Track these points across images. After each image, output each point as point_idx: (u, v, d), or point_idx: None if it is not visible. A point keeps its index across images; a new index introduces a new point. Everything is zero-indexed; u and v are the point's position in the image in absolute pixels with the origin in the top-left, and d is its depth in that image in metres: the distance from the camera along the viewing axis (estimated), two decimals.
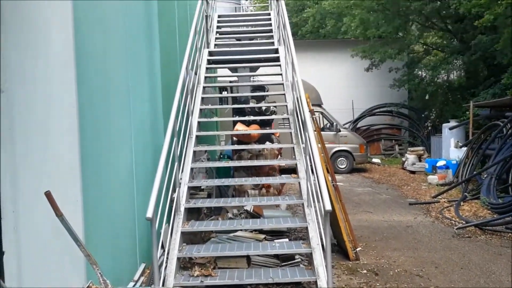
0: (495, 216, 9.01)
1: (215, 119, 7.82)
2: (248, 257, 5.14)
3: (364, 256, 6.68)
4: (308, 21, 24.50)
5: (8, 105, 3.56)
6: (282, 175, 7.42)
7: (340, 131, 17.00)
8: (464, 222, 8.54)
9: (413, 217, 9.37)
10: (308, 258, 5.44)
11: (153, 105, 6.02)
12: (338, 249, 6.91)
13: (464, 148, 13.87)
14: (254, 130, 7.36)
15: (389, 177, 15.60)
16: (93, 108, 4.04)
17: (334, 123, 17.04)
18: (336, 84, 21.79)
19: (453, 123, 16.14)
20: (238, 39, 11.10)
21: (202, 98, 7.66)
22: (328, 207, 3.99)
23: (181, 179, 5.83)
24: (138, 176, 5.14)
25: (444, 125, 16.57)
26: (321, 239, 4.64)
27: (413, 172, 16.19)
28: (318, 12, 23.48)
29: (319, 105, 17.39)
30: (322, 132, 16.95)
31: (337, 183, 7.15)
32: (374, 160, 19.69)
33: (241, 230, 5.63)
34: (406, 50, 19.84)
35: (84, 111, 3.73)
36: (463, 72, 21.01)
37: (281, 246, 5.11)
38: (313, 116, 7.11)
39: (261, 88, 9.27)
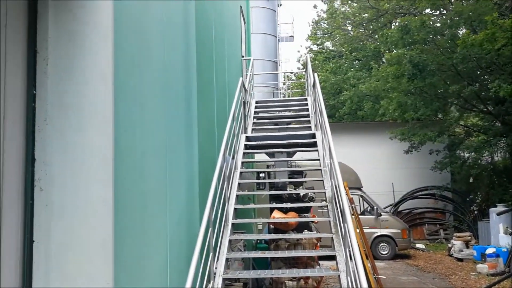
0: None
1: (251, 206, 7.70)
2: None
3: None
4: (346, 103, 24.83)
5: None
6: (321, 263, 7.10)
7: (381, 215, 16.48)
8: None
9: None
10: None
11: (190, 193, 6.00)
12: None
13: None
14: (292, 218, 7.18)
15: (435, 264, 14.76)
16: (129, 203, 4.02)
17: (375, 207, 16.58)
18: (376, 167, 21.48)
19: (500, 207, 15.44)
20: (275, 124, 11.25)
21: (239, 183, 7.62)
22: None
23: (215, 269, 5.66)
24: (172, 269, 4.99)
25: (491, 209, 15.86)
26: None
27: (460, 260, 15.30)
28: (356, 95, 23.82)
29: (359, 188, 17.09)
30: (362, 216, 16.59)
31: (379, 275, 6.74)
32: (418, 245, 18.80)
33: None
34: (447, 133, 19.54)
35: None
36: (508, 154, 20.42)
37: None
38: (352, 204, 6.88)
39: (299, 173, 9.19)
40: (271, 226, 7.78)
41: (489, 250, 14.05)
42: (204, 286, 5.08)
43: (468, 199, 20.29)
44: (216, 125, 8.25)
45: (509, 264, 12.24)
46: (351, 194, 16.59)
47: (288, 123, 11.41)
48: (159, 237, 4.67)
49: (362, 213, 16.80)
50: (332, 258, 6.13)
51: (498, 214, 14.69)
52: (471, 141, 20.47)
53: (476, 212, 19.42)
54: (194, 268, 4.33)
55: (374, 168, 21.34)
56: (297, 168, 9.10)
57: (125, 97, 3.88)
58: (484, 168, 19.67)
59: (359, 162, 20.32)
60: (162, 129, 4.96)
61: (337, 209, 6.18)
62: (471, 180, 19.36)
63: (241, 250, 7.69)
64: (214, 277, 5.53)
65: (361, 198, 16.90)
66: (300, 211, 7.82)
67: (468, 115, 21.61)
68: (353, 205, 6.82)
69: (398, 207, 21.15)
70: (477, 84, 18.02)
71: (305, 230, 7.44)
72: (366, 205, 17.02)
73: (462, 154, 20.73)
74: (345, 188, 6.28)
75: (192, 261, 4.41)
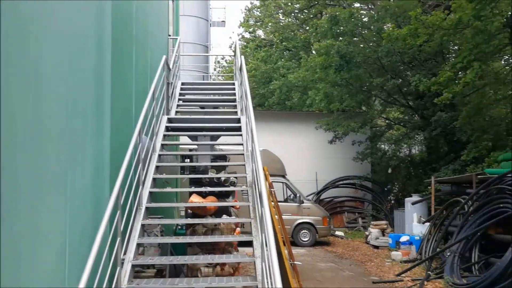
0: None
1: (168, 189, 7.39)
2: None
3: None
4: (275, 92, 24.93)
5: None
6: (241, 249, 6.95)
7: (303, 202, 16.70)
8: None
9: None
10: None
11: (98, 176, 5.55)
12: None
13: (427, 224, 13.73)
14: (210, 203, 6.94)
15: (352, 251, 15.21)
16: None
17: (298, 195, 16.76)
18: (301, 156, 21.79)
19: (415, 197, 16.16)
20: (201, 107, 10.94)
21: (157, 166, 7.27)
22: None
23: (124, 255, 5.32)
24: (72, 254, 4.58)
25: (406, 199, 16.56)
26: None
27: (376, 247, 15.87)
28: (285, 84, 23.96)
29: (283, 176, 17.21)
30: (285, 204, 16.75)
31: (296, 262, 6.69)
32: (338, 233, 19.32)
33: None
34: (369, 124, 20.18)
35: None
36: (424, 147, 21.47)
37: None
38: (272, 189, 6.76)
39: (222, 157, 8.97)
40: (189, 210, 7.50)
41: (403, 238, 14.65)
42: (110, 272, 4.75)
43: (386, 189, 21.13)
44: (134, 105, 7.80)
45: (421, 252, 12.81)
46: (276, 182, 16.66)
47: (215, 107, 11.13)
48: (55, 220, 4.25)
49: (286, 201, 16.95)
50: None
51: (413, 203, 15.35)
52: (392, 134, 21.34)
53: (393, 201, 20.27)
54: (95, 253, 3.99)
55: (299, 157, 21.63)
56: (220, 152, 8.86)
57: (15, 67, 3.45)
58: (402, 160, 20.59)
59: (285, 150, 20.47)
60: (63, 105, 4.50)
61: (256, 194, 6.03)
62: (389, 171, 20.17)
63: (157, 236, 7.35)
64: (123, 263, 5.20)
65: (285, 186, 17.02)
66: (220, 196, 7.60)
67: (390, 109, 22.48)
68: (272, 189, 6.67)
69: (320, 195, 21.64)
70: (399, 79, 18.70)
71: (224, 215, 7.24)
72: (289, 193, 17.16)
73: (383, 146, 21.56)
74: (265, 173, 6.14)
75: (94, 246, 4.05)
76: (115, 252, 4.76)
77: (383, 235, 16.70)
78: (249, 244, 5.97)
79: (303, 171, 21.36)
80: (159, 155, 7.57)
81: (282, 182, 16.96)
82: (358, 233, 19.53)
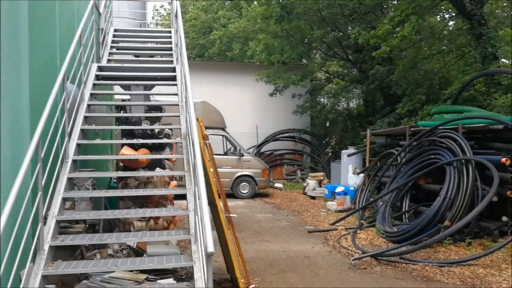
0: (389, 245, 9.07)
1: (97, 141, 7.01)
2: None
3: None
4: (215, 43, 24.29)
5: None
6: (178, 202, 6.77)
7: (243, 155, 16.69)
8: (360, 252, 8.46)
9: (311, 246, 9.14)
10: None
11: (15, 128, 5.07)
12: (232, 286, 6.39)
13: (362, 175, 14.14)
14: (142, 155, 6.67)
15: (290, 202, 15.50)
16: None
17: (237, 148, 16.70)
18: (242, 108, 21.63)
19: (351, 149, 16.53)
20: (136, 56, 10.39)
21: (85, 117, 6.85)
22: (210, 249, 3.46)
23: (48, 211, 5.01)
24: None
25: (343, 151, 16.92)
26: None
27: (313, 198, 16.26)
28: (225, 35, 23.37)
29: (223, 129, 17.04)
30: (225, 157, 16.69)
31: (231, 214, 6.63)
32: (277, 185, 19.63)
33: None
34: (309, 77, 20.21)
35: None
36: (362, 101, 21.91)
37: None
38: (207, 141, 6.57)
39: (157, 109, 8.63)
40: (120, 163, 7.20)
41: (339, 189, 15.06)
42: (33, 229, 4.46)
43: (324, 141, 21.51)
44: (58, 52, 7.20)
45: (355, 202, 13.24)
46: (215, 134, 16.52)
47: (151, 56, 10.62)
48: None
49: (225, 154, 16.86)
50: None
51: (349, 155, 15.73)
52: (331, 88, 21.53)
53: (330, 154, 20.73)
54: (10, 208, 3.68)
55: (240, 110, 21.47)
56: (154, 103, 8.50)
57: None
58: (340, 113, 20.91)
59: (226, 103, 20.25)
60: None
61: (190, 146, 5.82)
62: (327, 124, 20.48)
63: (89, 189, 7.03)
64: (46, 218, 4.90)
65: (224, 139, 16.88)
66: (154, 149, 7.34)
67: (330, 62, 22.56)
68: (207, 142, 6.47)
69: (261, 148, 21.74)
70: (340, 32, 18.69)
71: (158, 168, 7.01)
72: (230, 146, 17.06)
73: (322, 99, 21.77)
74: (199, 125, 5.92)
75: (8, 201, 3.73)
76: (35, 207, 4.45)
77: (320, 186, 17.11)
78: (185, 197, 5.81)
79: (244, 125, 21.29)
80: (88, 105, 7.13)
81: (221, 135, 16.81)
82: (297, 184, 19.91)
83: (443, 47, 17.54)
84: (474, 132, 10.04)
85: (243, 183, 16.60)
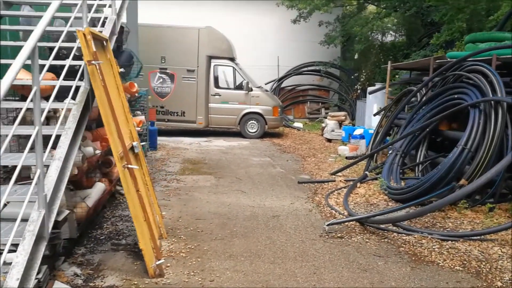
0: (390, 204, 7.29)
1: None
2: None
3: (177, 269, 4.67)
4: None
5: None
6: None
7: (252, 90, 14.84)
8: (346, 214, 6.73)
9: (290, 202, 7.45)
10: None
11: None
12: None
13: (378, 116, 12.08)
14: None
15: (302, 145, 13.75)
16: None
17: (246, 81, 14.83)
18: (261, 38, 19.44)
19: (379, 85, 14.33)
20: None
21: None
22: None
23: None
24: None
25: (369, 88, 14.76)
26: None
27: (329, 140, 14.44)
28: None
29: (231, 59, 15.12)
30: (230, 91, 14.93)
31: (131, 166, 4.93)
32: (296, 124, 17.82)
33: None
34: (337, 1, 17.56)
35: None
36: (399, 31, 19.19)
37: None
38: (95, 62, 4.79)
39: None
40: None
41: (357, 132, 13.12)
42: None
43: (352, 77, 19.18)
44: None
45: (371, 147, 11.29)
46: (220, 65, 14.72)
47: None
48: None
49: (235, 88, 15.01)
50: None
51: (370, 92, 13.60)
52: (364, 16, 18.79)
53: (359, 91, 18.44)
54: None
55: (259, 39, 19.35)
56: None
57: None
58: (372, 46, 18.29)
59: (240, 30, 18.20)
60: None
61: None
62: (356, 56, 18.06)
63: None
64: None
65: (233, 71, 15.01)
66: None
67: None
68: (95, 62, 4.70)
69: (282, 82, 19.74)
70: None
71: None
72: (241, 79, 15.18)
73: (354, 28, 19.11)
74: (84, 38, 4.17)
75: None
76: None
77: (341, 127, 15.19)
78: None
79: (263, 56, 19.25)
80: None
81: (230, 66, 14.95)
82: (319, 124, 17.98)
83: None
84: None
85: (251, 121, 14.91)
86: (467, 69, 7.79)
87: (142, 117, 8.50)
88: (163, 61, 14.47)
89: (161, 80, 14.52)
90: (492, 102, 6.78)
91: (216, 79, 14.85)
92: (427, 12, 14.84)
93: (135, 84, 8.04)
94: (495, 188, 6.84)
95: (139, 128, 7.89)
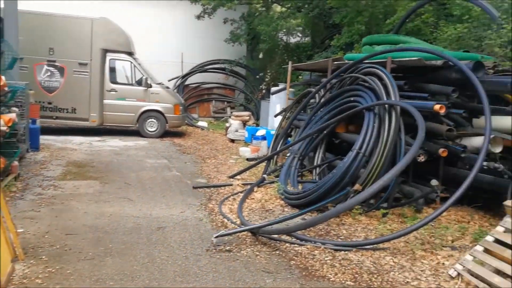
0: (286, 210, 6.96)
1: None
2: None
3: None
4: None
5: None
6: None
7: (151, 86, 14.00)
8: (239, 223, 6.28)
9: (181, 210, 6.85)
10: None
11: None
12: None
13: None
14: None
15: (204, 145, 13.21)
16: None
17: (144, 77, 13.95)
18: (164, 32, 18.58)
19: (282, 86, 14.15)
20: None
21: None
22: None
23: None
24: None
25: (272, 88, 14.54)
26: None
27: (232, 141, 14.04)
28: None
29: (130, 54, 14.15)
30: (128, 87, 13.98)
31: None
32: (200, 123, 17.25)
33: None
34: None
35: None
36: (305, 32, 19.27)
37: None
38: None
39: None
40: None
41: (259, 132, 12.86)
42: None
43: (258, 76, 18.98)
44: None
45: (272, 149, 10.98)
46: (119, 59, 13.74)
47: None
48: None
49: (130, 84, 14.06)
50: None
51: (272, 93, 13.39)
52: (269, 15, 18.62)
53: (264, 91, 18.22)
54: None
55: (162, 33, 18.48)
56: None
57: None
58: (276, 45, 18.15)
59: (144, 24, 17.29)
60: None
61: None
62: (260, 55, 17.86)
63: None
64: None
65: (131, 66, 14.05)
66: None
67: None
68: None
69: (186, 80, 19.05)
70: None
71: None
72: (140, 75, 14.22)
73: (259, 27, 18.87)
74: None
75: None
76: None
77: (244, 128, 14.85)
78: None
79: (166, 51, 18.43)
80: None
81: (127, 61, 13.99)
82: (224, 124, 17.50)
83: None
84: (406, 69, 7.68)
85: (150, 120, 14.08)
86: (363, 71, 7.70)
87: (13, 115, 7.41)
88: (51, 52, 13.18)
89: (49, 73, 13.22)
90: (386, 105, 6.68)
91: (112, 74, 13.83)
92: (329, 14, 14.94)
93: (3, 77, 6.98)
94: (389, 193, 6.78)
95: (5, 128, 6.85)
